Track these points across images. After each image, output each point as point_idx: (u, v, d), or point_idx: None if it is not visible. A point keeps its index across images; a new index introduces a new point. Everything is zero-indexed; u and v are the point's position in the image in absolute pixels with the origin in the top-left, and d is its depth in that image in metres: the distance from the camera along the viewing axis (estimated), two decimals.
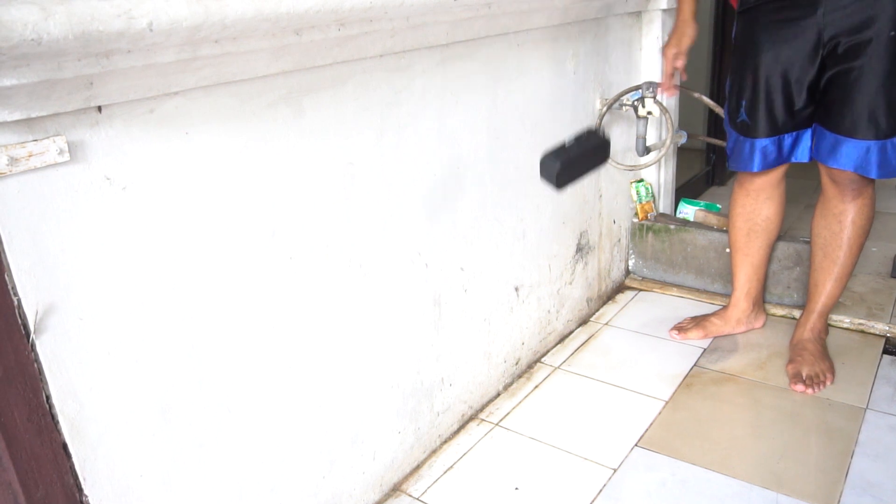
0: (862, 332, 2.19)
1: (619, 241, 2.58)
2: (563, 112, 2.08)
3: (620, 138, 2.44)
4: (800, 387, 1.94)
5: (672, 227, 2.54)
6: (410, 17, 1.35)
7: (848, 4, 1.67)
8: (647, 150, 2.34)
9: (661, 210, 2.70)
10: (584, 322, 2.44)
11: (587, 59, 2.15)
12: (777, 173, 1.99)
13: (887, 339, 2.14)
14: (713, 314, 2.27)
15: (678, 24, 2.08)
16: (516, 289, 2.02)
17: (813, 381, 1.94)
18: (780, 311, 2.35)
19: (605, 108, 2.25)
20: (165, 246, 1.09)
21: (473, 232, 1.80)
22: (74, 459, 1.01)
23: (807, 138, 1.88)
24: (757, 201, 2.05)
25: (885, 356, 2.07)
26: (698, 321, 2.26)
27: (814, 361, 2.00)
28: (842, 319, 2.22)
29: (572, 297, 2.34)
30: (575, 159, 1.46)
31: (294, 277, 1.32)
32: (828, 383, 1.95)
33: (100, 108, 0.96)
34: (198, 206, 1.12)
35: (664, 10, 2.38)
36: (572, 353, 2.24)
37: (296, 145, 1.27)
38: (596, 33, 2.17)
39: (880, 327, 2.17)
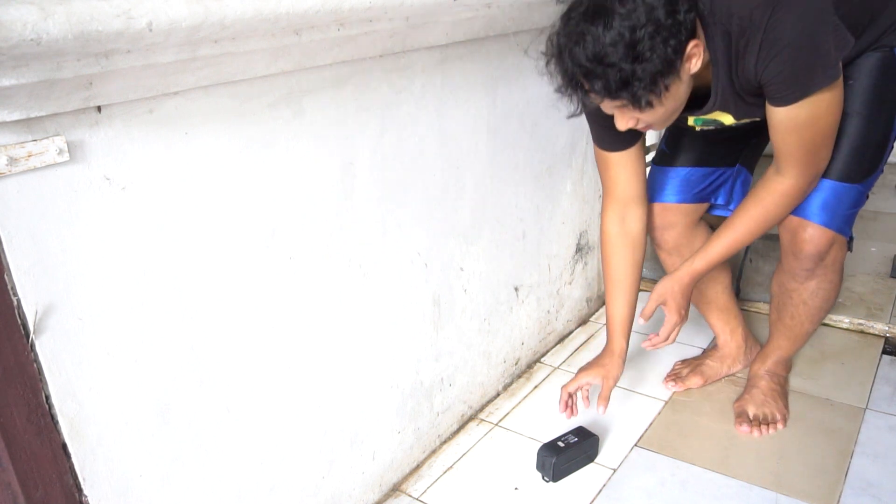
0: (861, 332, 2.19)
1: None
2: (563, 112, 2.07)
3: None
4: (744, 427, 1.78)
5: None
6: (410, 18, 1.34)
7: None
8: (647, 150, 2.33)
9: None
10: (583, 322, 2.43)
11: None
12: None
13: (887, 340, 2.14)
14: (706, 357, 2.06)
15: (605, 355, 1.76)
16: (516, 289, 2.02)
17: (760, 423, 1.78)
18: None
19: None
20: (165, 246, 1.08)
21: (473, 232, 1.79)
22: (74, 459, 1.01)
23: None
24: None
25: (884, 356, 2.07)
26: (694, 366, 2.05)
27: (764, 401, 1.82)
28: (841, 319, 2.22)
29: (572, 297, 2.34)
30: (569, 454, 1.68)
31: (293, 277, 1.32)
32: (779, 427, 1.78)
33: (99, 108, 0.96)
34: (197, 207, 1.12)
35: None
36: (572, 354, 2.24)
37: (296, 145, 1.27)
38: None
39: (879, 327, 2.17)
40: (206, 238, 1.15)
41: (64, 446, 1.00)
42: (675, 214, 1.80)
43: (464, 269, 1.79)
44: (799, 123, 1.36)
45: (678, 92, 1.30)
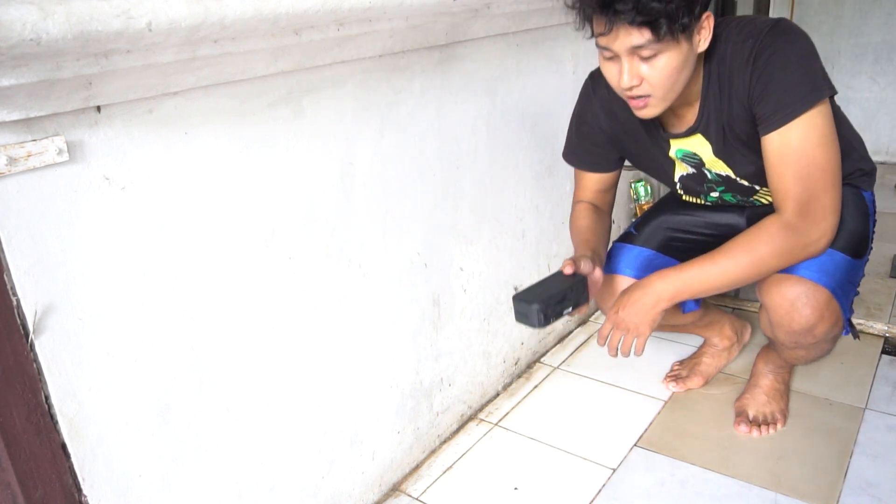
0: (861, 331, 2.18)
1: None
2: (563, 112, 2.07)
3: None
4: (743, 427, 1.78)
5: None
6: (410, 17, 1.34)
7: None
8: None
9: None
10: (583, 322, 2.43)
11: (586, 60, 2.14)
12: None
13: (886, 339, 2.14)
14: (702, 354, 2.06)
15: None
16: (516, 289, 2.02)
17: (759, 424, 1.78)
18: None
19: None
20: (165, 246, 1.08)
21: (473, 232, 1.79)
22: (73, 459, 1.01)
23: None
24: None
25: (883, 356, 2.07)
26: (691, 366, 2.04)
27: (766, 401, 1.82)
28: None
29: None
30: (552, 294, 1.39)
31: (293, 277, 1.32)
32: (778, 426, 1.77)
33: (99, 108, 0.95)
34: (197, 207, 1.12)
35: None
36: (571, 353, 2.24)
37: (295, 145, 1.27)
38: None
39: (879, 327, 2.16)
40: (206, 238, 1.14)
41: (63, 446, 1.00)
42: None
43: (463, 269, 1.79)
44: (791, 150, 1.34)
45: (687, 57, 1.31)
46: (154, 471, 1.13)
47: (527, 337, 2.13)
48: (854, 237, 1.53)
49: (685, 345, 2.19)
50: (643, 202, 2.57)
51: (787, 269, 1.47)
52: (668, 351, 2.17)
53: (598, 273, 1.49)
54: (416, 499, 1.66)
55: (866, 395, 1.89)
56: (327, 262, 1.38)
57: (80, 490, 1.02)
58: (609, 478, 1.67)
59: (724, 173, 1.55)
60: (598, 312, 2.49)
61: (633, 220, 2.17)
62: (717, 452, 1.72)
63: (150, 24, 0.88)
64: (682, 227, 1.76)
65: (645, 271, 1.71)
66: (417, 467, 1.76)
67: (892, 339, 2.14)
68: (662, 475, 1.66)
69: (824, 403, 1.87)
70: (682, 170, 1.62)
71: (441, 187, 1.65)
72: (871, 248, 1.63)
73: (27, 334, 0.93)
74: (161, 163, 1.05)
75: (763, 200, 1.62)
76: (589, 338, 2.32)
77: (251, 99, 1.17)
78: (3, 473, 0.93)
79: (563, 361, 2.19)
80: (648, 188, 2.57)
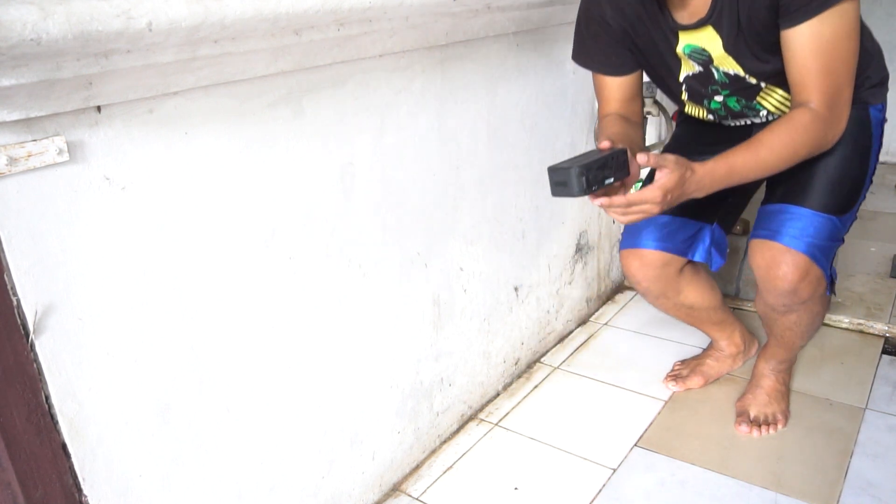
0: (861, 331, 2.19)
1: (619, 240, 2.57)
2: (563, 112, 2.08)
3: None
4: (744, 428, 1.79)
5: None
6: (410, 17, 1.34)
7: None
8: (647, 150, 2.33)
9: None
10: (583, 322, 2.43)
11: None
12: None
13: (886, 339, 2.14)
14: (706, 357, 2.06)
15: None
16: (516, 289, 2.02)
17: (760, 424, 1.79)
18: None
19: None
20: (165, 246, 1.08)
21: (473, 232, 1.79)
22: (74, 459, 1.01)
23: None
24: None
25: (884, 356, 2.07)
26: (693, 366, 2.04)
27: (767, 401, 1.83)
28: (841, 319, 2.22)
29: (572, 297, 2.33)
30: (593, 160, 1.24)
31: (293, 277, 1.32)
32: (779, 427, 1.79)
33: (99, 108, 0.95)
34: (197, 207, 1.12)
35: None
36: (572, 354, 2.24)
37: (295, 145, 1.27)
38: None
39: (879, 327, 2.17)
40: (207, 238, 1.14)
41: (64, 446, 1.00)
42: (653, 265, 1.74)
43: (464, 269, 1.79)
44: (822, 43, 1.32)
45: None
46: (154, 471, 1.13)
47: (527, 337, 2.13)
48: (842, 189, 1.52)
49: (686, 345, 2.19)
50: None
51: (769, 237, 1.52)
52: (670, 351, 2.17)
53: (636, 163, 1.40)
54: (417, 499, 1.66)
55: (866, 395, 1.89)
56: (327, 262, 1.38)
57: (80, 490, 1.02)
58: (609, 478, 1.67)
59: (732, 72, 1.51)
60: (598, 313, 2.49)
61: None
62: (717, 452, 1.72)
63: (150, 24, 0.88)
64: None
65: (666, 241, 1.71)
66: (417, 467, 1.76)
67: (892, 339, 2.14)
68: (662, 475, 1.66)
69: (824, 403, 1.87)
70: (688, 69, 1.56)
71: (441, 187, 1.65)
72: (872, 181, 1.60)
73: (27, 334, 0.93)
74: (161, 163, 1.05)
75: (765, 104, 1.57)
76: (589, 338, 2.32)
77: (251, 99, 1.17)
78: (3, 473, 0.93)
79: (563, 361, 2.19)
80: None
